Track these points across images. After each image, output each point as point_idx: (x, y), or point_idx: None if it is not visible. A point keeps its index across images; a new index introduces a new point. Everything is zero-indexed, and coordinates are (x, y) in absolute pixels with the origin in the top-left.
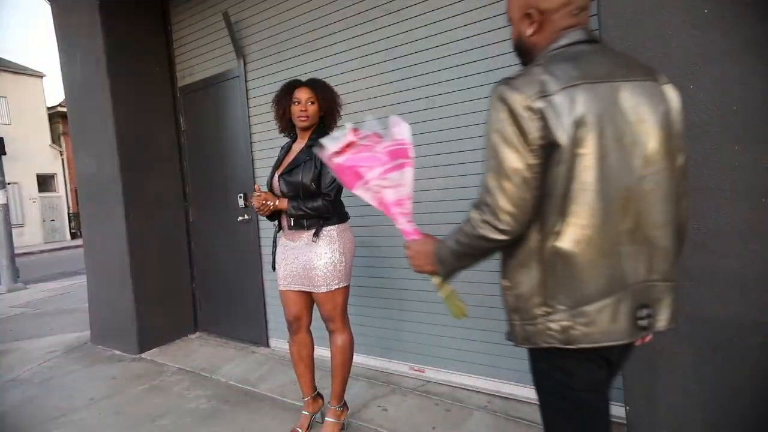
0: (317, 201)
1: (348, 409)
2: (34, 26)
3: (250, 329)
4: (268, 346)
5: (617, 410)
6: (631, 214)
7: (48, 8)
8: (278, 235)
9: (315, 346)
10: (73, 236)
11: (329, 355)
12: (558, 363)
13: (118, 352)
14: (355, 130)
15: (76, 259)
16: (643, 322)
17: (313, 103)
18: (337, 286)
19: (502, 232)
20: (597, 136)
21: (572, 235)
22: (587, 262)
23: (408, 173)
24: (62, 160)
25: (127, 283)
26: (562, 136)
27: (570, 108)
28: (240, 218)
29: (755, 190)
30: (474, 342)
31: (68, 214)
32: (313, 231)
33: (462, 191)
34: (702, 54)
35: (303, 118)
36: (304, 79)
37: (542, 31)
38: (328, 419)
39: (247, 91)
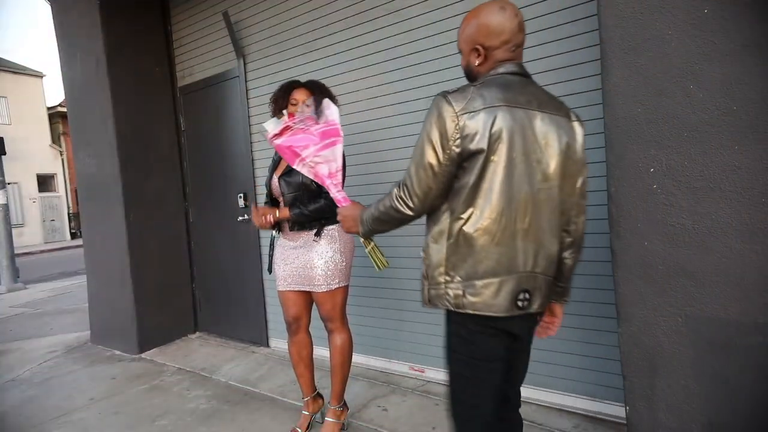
0: (319, 201)
1: (348, 409)
2: (33, 26)
3: (250, 329)
4: (268, 346)
5: (617, 410)
6: (528, 216)
7: (48, 8)
8: (276, 236)
9: (314, 346)
10: (73, 236)
11: (329, 355)
12: (466, 335)
13: (118, 352)
14: (291, 115)
15: (76, 259)
16: (521, 303)
17: (309, 105)
18: (337, 286)
19: (409, 208)
20: (508, 149)
21: (475, 222)
22: (483, 246)
23: (338, 150)
24: (62, 160)
25: (127, 283)
26: (481, 144)
27: (490, 123)
28: (240, 218)
29: (755, 190)
30: None
31: (68, 214)
32: (315, 231)
33: None
34: (702, 54)
35: None
36: (303, 79)
37: (486, 62)
38: (328, 419)
39: (247, 91)
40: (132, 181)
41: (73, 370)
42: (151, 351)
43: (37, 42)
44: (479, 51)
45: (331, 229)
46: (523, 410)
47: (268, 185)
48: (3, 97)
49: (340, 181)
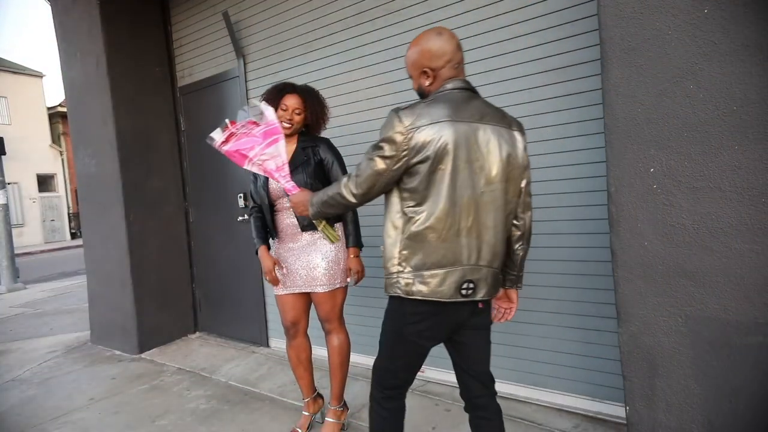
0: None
1: (348, 409)
2: (33, 26)
3: (250, 329)
4: (268, 346)
5: (617, 410)
6: (471, 216)
7: (48, 8)
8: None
9: (313, 346)
10: (73, 236)
11: (326, 356)
12: (401, 315)
13: (118, 352)
14: (233, 122)
15: (76, 259)
16: (465, 291)
17: (299, 113)
18: (339, 285)
19: (353, 196)
20: (452, 159)
21: (423, 222)
22: (430, 242)
23: (281, 145)
24: (62, 160)
25: (127, 283)
26: (427, 154)
27: (437, 137)
28: (240, 218)
29: (755, 190)
30: None
31: (68, 214)
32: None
33: None
34: (702, 54)
35: (287, 126)
36: (302, 81)
37: (435, 82)
38: (329, 419)
39: (247, 91)
40: (132, 181)
41: (73, 370)
42: (151, 351)
43: (37, 42)
44: (428, 73)
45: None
46: (524, 410)
47: (265, 191)
48: (3, 97)
49: (288, 173)
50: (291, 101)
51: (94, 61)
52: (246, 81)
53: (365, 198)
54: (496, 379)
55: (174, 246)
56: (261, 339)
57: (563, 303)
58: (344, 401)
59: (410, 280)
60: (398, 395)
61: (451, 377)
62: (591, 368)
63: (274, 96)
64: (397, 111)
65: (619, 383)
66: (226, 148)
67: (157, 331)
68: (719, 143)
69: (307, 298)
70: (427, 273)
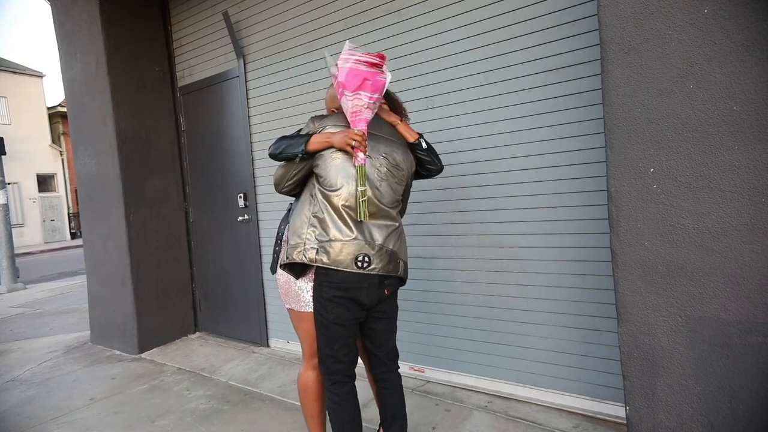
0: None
1: None
2: (33, 26)
3: (250, 329)
4: (268, 346)
5: (617, 410)
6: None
7: (48, 8)
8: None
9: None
10: (73, 236)
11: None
12: (322, 302)
13: (118, 352)
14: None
15: (76, 259)
16: (360, 263)
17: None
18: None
19: (274, 185)
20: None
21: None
22: (327, 222)
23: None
24: (62, 160)
25: (127, 283)
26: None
27: None
28: (240, 218)
29: (755, 190)
30: (474, 342)
31: (68, 214)
32: None
33: (461, 191)
34: (702, 54)
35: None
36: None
37: None
38: None
39: (247, 91)
40: (132, 181)
41: (73, 370)
42: (151, 351)
43: (37, 42)
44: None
45: None
46: (524, 410)
47: None
48: (3, 97)
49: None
50: None
51: (94, 61)
52: (246, 81)
53: (279, 189)
54: (495, 379)
55: (174, 246)
56: (261, 339)
57: (563, 303)
58: None
59: (315, 251)
60: (344, 379)
61: (451, 377)
62: (591, 368)
63: None
64: (312, 119)
65: (619, 383)
66: (360, 67)
67: (157, 331)
68: (719, 143)
69: None
70: (328, 246)
